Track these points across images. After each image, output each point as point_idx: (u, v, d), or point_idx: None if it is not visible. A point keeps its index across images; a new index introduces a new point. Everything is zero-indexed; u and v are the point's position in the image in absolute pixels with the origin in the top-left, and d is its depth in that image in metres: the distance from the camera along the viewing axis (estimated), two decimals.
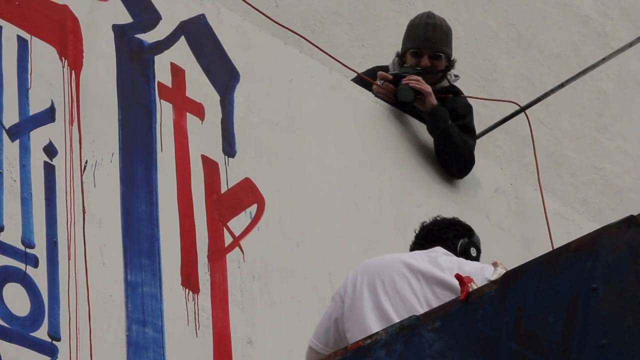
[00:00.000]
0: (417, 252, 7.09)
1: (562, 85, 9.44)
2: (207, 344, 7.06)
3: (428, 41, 8.88)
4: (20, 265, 6.46)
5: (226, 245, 7.39)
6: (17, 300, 6.39)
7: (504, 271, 5.83)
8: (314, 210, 7.92)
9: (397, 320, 6.39)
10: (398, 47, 9.24)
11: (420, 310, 6.47)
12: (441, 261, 6.83)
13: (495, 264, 6.38)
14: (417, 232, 7.35)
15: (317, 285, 7.65)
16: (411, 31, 9.09)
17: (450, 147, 8.81)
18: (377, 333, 6.07)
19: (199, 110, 7.61)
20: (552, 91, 9.42)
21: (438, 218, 7.43)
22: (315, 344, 6.71)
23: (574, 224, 7.54)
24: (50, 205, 6.69)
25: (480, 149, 9.02)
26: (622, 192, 9.06)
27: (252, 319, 7.29)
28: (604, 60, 9.59)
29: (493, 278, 5.99)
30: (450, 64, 8.95)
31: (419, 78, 8.69)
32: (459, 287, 6.34)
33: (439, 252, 6.97)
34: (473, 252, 7.21)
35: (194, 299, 7.10)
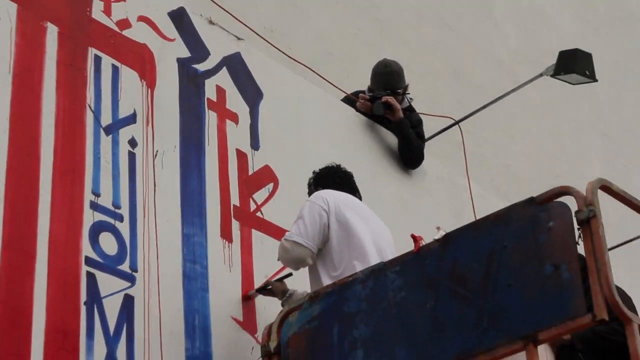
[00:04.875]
0: (359, 202, 6.99)
1: (484, 107, 9.43)
2: (237, 277, 7.04)
3: (388, 86, 8.79)
4: (111, 221, 6.49)
5: (251, 210, 7.37)
6: (109, 244, 6.41)
7: (445, 233, 5.89)
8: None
9: (372, 252, 6.47)
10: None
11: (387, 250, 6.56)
12: (377, 218, 6.91)
13: (438, 228, 6.43)
14: (327, 172, 7.20)
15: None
16: (375, 77, 8.99)
17: (409, 147, 8.73)
18: (356, 273, 6.11)
19: (234, 118, 7.55)
20: (477, 111, 9.43)
21: (334, 165, 7.25)
22: (305, 245, 6.51)
23: (490, 203, 7.56)
24: (132, 180, 6.70)
25: (427, 149, 8.99)
26: (523, 182, 9.01)
27: (268, 260, 7.20)
28: (512, 91, 9.59)
29: (437, 238, 5.91)
30: (406, 91, 8.85)
31: (392, 98, 8.65)
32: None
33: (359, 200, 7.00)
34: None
35: (228, 246, 7.07)
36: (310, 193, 7.08)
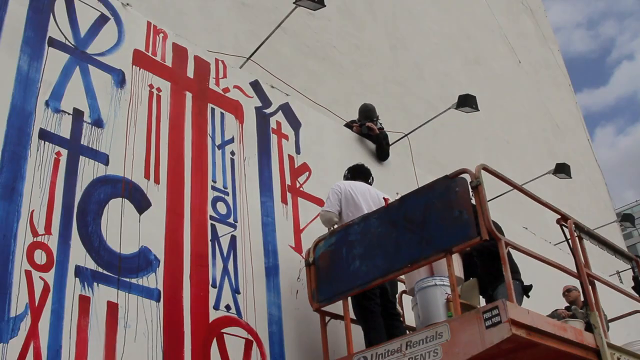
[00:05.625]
0: (363, 184, 6.79)
1: (422, 126, 9.54)
2: (290, 223, 6.89)
3: (368, 117, 8.68)
4: (222, 195, 6.41)
5: (297, 187, 7.23)
6: (222, 208, 6.38)
7: (401, 196, 6.04)
8: (329, 179, 7.46)
9: (366, 210, 6.34)
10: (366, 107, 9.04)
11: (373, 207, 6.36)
12: (373, 191, 6.75)
13: (397, 194, 6.47)
14: (352, 169, 7.05)
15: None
16: (361, 113, 8.78)
17: (381, 149, 8.55)
18: (353, 220, 6.05)
19: (286, 137, 7.43)
20: (416, 129, 9.34)
21: (359, 164, 7.14)
22: (332, 211, 6.43)
23: (425, 179, 7.19)
24: (232, 172, 6.63)
25: (391, 150, 8.86)
26: (445, 168, 9.03)
27: (306, 214, 7.11)
28: (435, 117, 9.77)
29: (397, 199, 5.94)
30: (377, 119, 8.74)
31: (372, 123, 8.57)
32: (383, 202, 6.53)
33: (369, 186, 6.82)
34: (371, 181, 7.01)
35: (285, 207, 6.96)
36: (344, 178, 7.01)
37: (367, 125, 8.63)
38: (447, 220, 5.32)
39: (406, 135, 9.05)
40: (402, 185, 7.39)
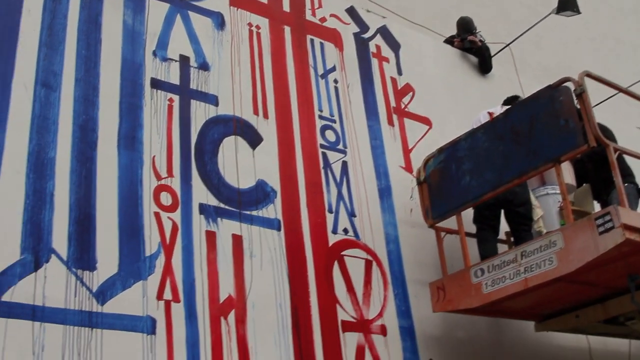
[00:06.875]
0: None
1: (523, 34, 9.05)
2: (398, 144, 6.91)
3: (468, 30, 8.58)
4: (330, 123, 6.55)
5: (402, 107, 7.17)
6: (330, 135, 6.51)
7: (506, 108, 6.07)
8: (433, 97, 7.46)
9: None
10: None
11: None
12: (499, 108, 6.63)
13: (502, 106, 6.42)
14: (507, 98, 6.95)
15: None
16: (460, 27, 8.70)
17: (484, 62, 8.40)
18: (460, 136, 6.04)
19: (387, 60, 7.39)
20: (518, 37, 8.95)
21: (512, 95, 7.04)
22: None
23: (529, 89, 6.75)
24: (337, 100, 6.70)
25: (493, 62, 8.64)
26: (552, 74, 8.56)
27: (413, 134, 7.10)
28: (537, 22, 9.31)
29: (502, 112, 5.96)
30: (477, 31, 8.64)
31: (472, 36, 8.46)
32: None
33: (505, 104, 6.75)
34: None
35: (392, 129, 6.97)
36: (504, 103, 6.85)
37: (469, 39, 8.54)
38: (553, 130, 5.31)
39: (508, 45, 8.84)
40: (505, 95, 7.30)
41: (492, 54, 8.70)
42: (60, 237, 4.64)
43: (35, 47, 5.12)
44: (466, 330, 6.39)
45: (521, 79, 8.49)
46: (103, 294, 4.66)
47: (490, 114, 6.55)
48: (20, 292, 4.35)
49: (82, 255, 4.67)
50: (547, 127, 5.38)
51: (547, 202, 5.99)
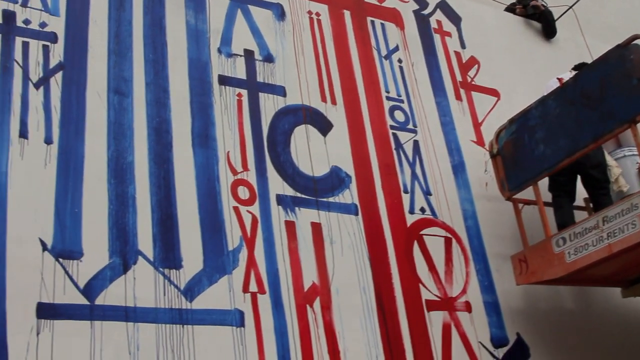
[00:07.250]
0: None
1: None
2: (468, 118, 6.90)
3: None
4: (398, 103, 6.56)
5: (468, 81, 7.16)
6: (399, 115, 6.53)
7: (575, 73, 5.92)
8: (498, 67, 7.45)
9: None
10: None
11: None
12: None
13: (571, 71, 6.31)
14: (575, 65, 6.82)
15: None
16: None
17: (548, 26, 8.28)
18: (530, 105, 5.99)
19: (449, 34, 7.38)
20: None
21: (580, 62, 6.90)
22: None
23: (597, 51, 6.61)
24: (403, 78, 6.72)
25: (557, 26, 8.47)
26: (619, 33, 8.40)
27: (481, 107, 7.05)
28: None
29: (571, 77, 5.89)
30: None
31: (535, 1, 8.32)
32: None
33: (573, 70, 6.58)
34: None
35: (460, 104, 6.94)
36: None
37: (532, 4, 8.41)
38: (625, 90, 5.21)
39: (571, 7, 8.69)
40: (575, 61, 7.18)
41: (555, 17, 8.57)
42: (145, 239, 4.79)
43: (104, 56, 5.31)
44: (550, 301, 6.33)
45: (587, 41, 8.37)
46: (191, 290, 4.80)
47: (559, 79, 6.46)
48: (112, 295, 4.51)
49: (168, 254, 4.82)
50: (619, 88, 5.30)
51: (625, 165, 5.90)
